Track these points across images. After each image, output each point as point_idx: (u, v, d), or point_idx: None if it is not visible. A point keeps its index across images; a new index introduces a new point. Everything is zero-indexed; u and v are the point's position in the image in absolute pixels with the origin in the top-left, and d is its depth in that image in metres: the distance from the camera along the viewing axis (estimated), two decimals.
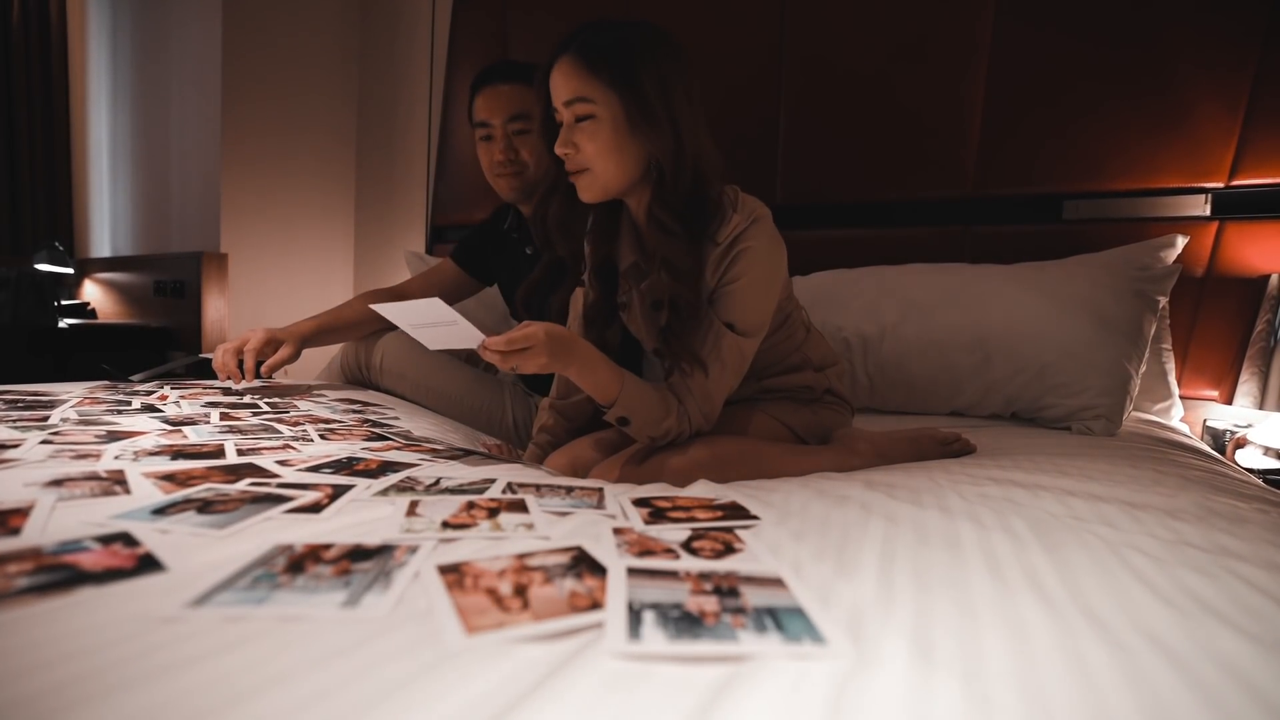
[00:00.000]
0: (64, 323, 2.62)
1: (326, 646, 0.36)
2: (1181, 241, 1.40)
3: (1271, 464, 1.28)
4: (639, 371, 1.11)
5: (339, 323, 1.39)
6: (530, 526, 0.56)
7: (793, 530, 0.58)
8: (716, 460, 0.90)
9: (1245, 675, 0.36)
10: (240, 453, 0.77)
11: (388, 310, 0.85)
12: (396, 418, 1.14)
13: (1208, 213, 1.44)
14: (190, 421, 0.93)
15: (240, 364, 1.24)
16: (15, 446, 0.73)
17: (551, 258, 1.01)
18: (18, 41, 3.18)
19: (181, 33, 2.60)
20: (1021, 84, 1.59)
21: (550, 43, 0.92)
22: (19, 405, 0.97)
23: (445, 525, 0.55)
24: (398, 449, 0.87)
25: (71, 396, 1.07)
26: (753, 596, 0.43)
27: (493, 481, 0.71)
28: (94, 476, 0.63)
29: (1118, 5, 1.50)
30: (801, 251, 1.28)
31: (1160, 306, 1.34)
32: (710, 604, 0.42)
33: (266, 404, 1.11)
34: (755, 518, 0.61)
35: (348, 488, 0.65)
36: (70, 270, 2.91)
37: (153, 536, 0.50)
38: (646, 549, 0.52)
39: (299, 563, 0.46)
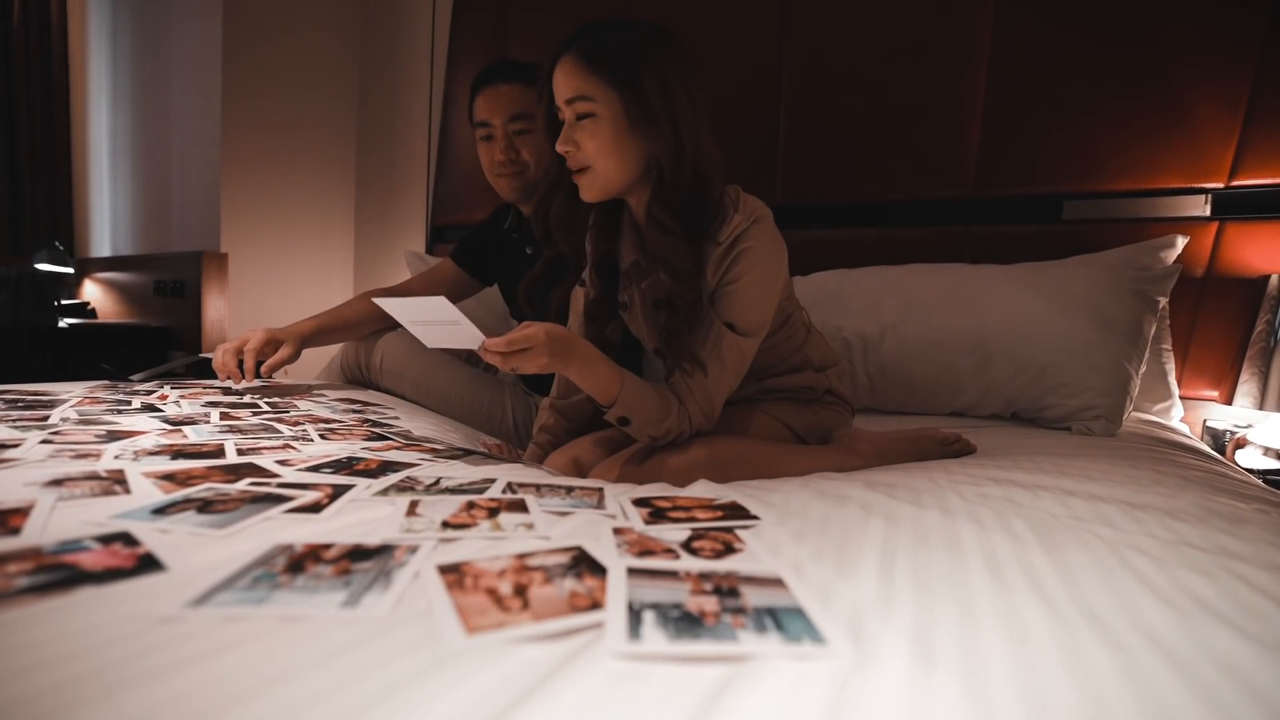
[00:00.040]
0: (64, 322, 2.62)
1: (326, 646, 0.36)
2: (1181, 242, 1.40)
3: (1271, 464, 1.28)
4: (639, 371, 1.11)
5: (339, 322, 1.39)
6: (530, 526, 0.56)
7: (793, 530, 0.58)
8: (716, 460, 0.90)
9: (1245, 675, 0.36)
10: (240, 452, 0.77)
11: (390, 305, 0.85)
12: (396, 417, 1.14)
13: (1208, 213, 1.44)
14: (190, 421, 0.93)
15: (240, 364, 1.24)
16: (15, 446, 0.73)
17: (553, 254, 1.02)
18: (18, 41, 3.18)
19: (181, 32, 2.60)
20: (1021, 84, 1.60)
21: (551, 42, 0.93)
22: (19, 405, 0.97)
23: (445, 525, 0.55)
24: (398, 449, 0.87)
25: (71, 396, 1.07)
26: (753, 596, 0.43)
27: (493, 481, 0.71)
28: (94, 476, 0.63)
29: (1118, 5, 1.50)
30: (801, 251, 1.28)
31: (1160, 307, 1.34)
32: (710, 604, 0.42)
33: (266, 404, 1.11)
34: (755, 518, 0.61)
35: (348, 488, 0.65)
36: (70, 270, 2.91)
37: (153, 536, 0.50)
38: (646, 549, 0.52)
39: (299, 562, 0.46)
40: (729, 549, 0.53)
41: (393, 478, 0.70)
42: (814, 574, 0.48)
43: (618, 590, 0.44)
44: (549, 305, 1.04)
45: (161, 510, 0.55)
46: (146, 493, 0.60)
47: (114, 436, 0.81)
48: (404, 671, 0.34)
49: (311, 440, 0.87)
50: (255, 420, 0.97)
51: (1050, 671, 0.36)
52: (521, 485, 0.70)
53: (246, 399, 1.15)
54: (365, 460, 0.77)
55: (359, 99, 2.79)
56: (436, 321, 0.83)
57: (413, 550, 0.49)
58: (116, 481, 0.62)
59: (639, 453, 0.93)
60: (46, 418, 0.89)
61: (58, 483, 0.61)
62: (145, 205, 2.92)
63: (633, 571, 0.47)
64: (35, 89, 3.23)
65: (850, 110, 1.78)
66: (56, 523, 0.51)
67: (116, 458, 0.71)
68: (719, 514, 0.62)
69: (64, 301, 2.84)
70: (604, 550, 0.51)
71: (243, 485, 0.63)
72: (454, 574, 0.45)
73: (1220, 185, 1.43)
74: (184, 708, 0.31)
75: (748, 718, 0.32)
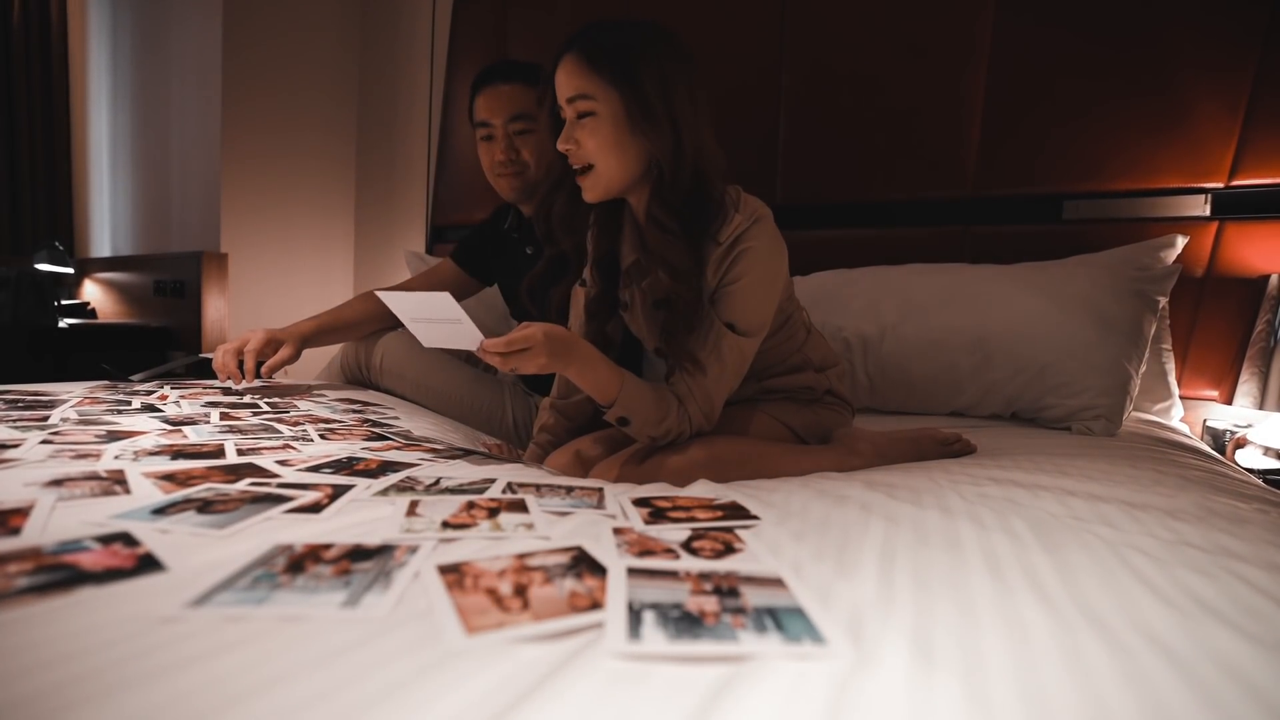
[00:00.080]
0: (64, 323, 2.62)
1: (326, 646, 0.36)
2: (1181, 241, 1.40)
3: (1271, 464, 1.28)
4: (639, 371, 1.11)
5: (339, 323, 1.39)
6: (530, 526, 0.56)
7: (793, 530, 0.58)
8: (716, 460, 0.90)
9: (1245, 675, 0.36)
10: (240, 453, 0.77)
11: (392, 299, 0.85)
12: (396, 418, 1.14)
13: (1207, 213, 1.44)
14: (190, 421, 0.93)
15: (241, 365, 1.24)
16: (15, 446, 0.73)
17: (555, 252, 1.02)
18: (18, 41, 3.18)
19: (182, 32, 2.60)
20: (1021, 84, 1.59)
21: (551, 42, 0.93)
22: (19, 405, 0.97)
23: (445, 525, 0.55)
24: (398, 449, 0.87)
25: (71, 396, 1.07)
26: (753, 596, 0.43)
27: (493, 481, 0.71)
28: (94, 476, 0.63)
29: (1118, 5, 1.50)
30: (801, 251, 1.28)
31: (1160, 306, 1.34)
32: (710, 604, 0.42)
33: (266, 404, 1.11)
34: (755, 518, 0.61)
35: (348, 488, 0.65)
36: (70, 270, 2.91)
37: (153, 536, 0.50)
38: (646, 549, 0.52)
39: (299, 563, 0.46)
40: (729, 549, 0.53)
41: (393, 478, 0.70)
42: (814, 574, 0.48)
43: (618, 590, 0.44)
44: (550, 303, 1.05)
45: (161, 510, 0.55)
46: (146, 493, 0.60)
47: (114, 437, 0.81)
48: (404, 671, 0.34)
49: (311, 440, 0.87)
50: (255, 420, 0.97)
51: (1050, 671, 0.36)
52: (521, 485, 0.70)
53: (246, 399, 1.15)
54: (365, 460, 0.77)
55: (359, 99, 2.79)
56: (437, 319, 0.83)
57: (413, 550, 0.49)
58: (116, 482, 0.62)
59: (639, 453, 0.93)
60: (46, 418, 0.89)
61: (58, 483, 0.61)
62: (145, 205, 2.92)
63: (633, 571, 0.47)
64: (35, 89, 3.23)
65: (850, 110, 1.78)
66: (56, 523, 0.51)
67: (116, 458, 0.71)
68: (719, 514, 0.62)
69: (64, 302, 2.85)
70: (604, 550, 0.51)
71: (243, 485, 0.63)
72: (454, 574, 0.45)
73: (1220, 185, 1.43)
74: (184, 708, 0.31)
75: (748, 718, 0.32)
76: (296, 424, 0.96)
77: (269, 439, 0.85)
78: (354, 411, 1.13)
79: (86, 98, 3.29)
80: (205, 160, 2.50)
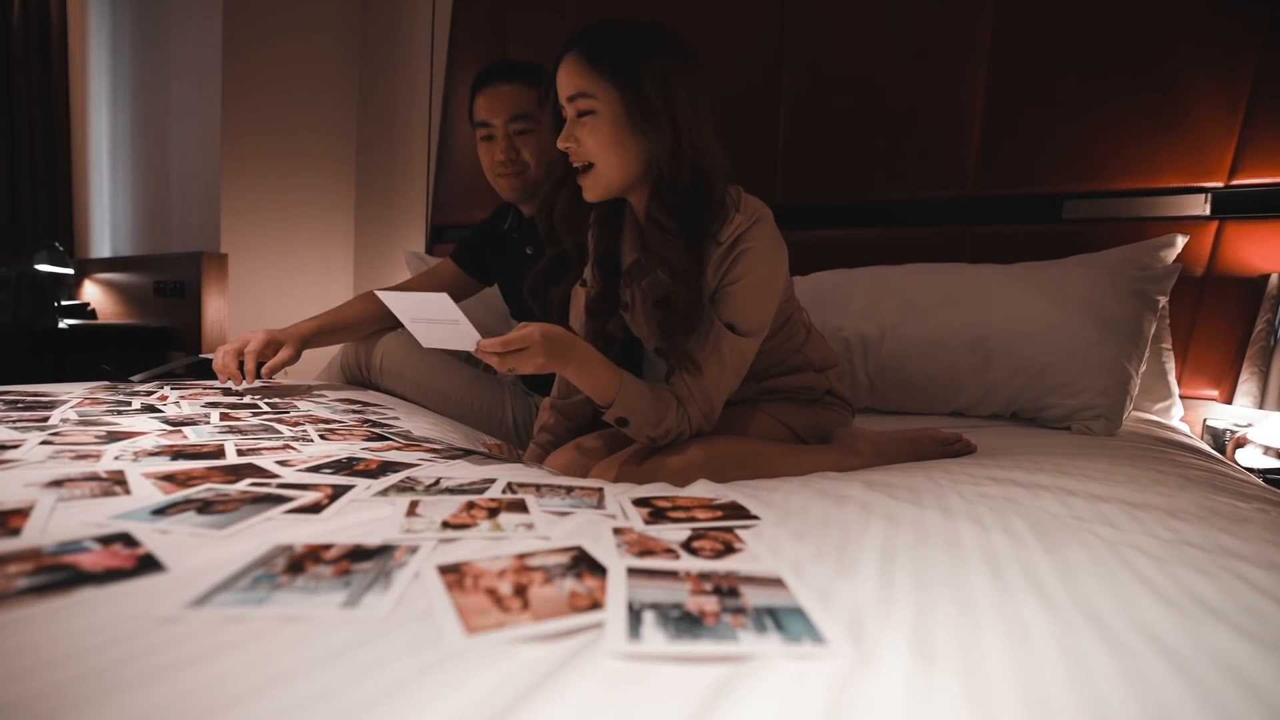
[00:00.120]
0: (64, 323, 2.62)
1: (326, 647, 0.36)
2: (1181, 241, 1.40)
3: (1272, 463, 1.28)
4: (639, 371, 1.11)
5: (339, 323, 1.39)
6: (530, 526, 0.56)
7: (793, 530, 0.58)
8: (715, 460, 0.90)
9: (1245, 675, 0.36)
10: (240, 453, 0.77)
11: (391, 299, 0.85)
12: (396, 418, 1.14)
13: (1207, 212, 1.44)
14: (190, 422, 0.93)
15: (241, 366, 1.24)
16: (15, 447, 0.73)
17: (557, 251, 1.02)
18: (18, 41, 3.18)
19: (181, 33, 2.60)
20: (1021, 84, 1.59)
21: (550, 42, 0.93)
22: (19, 406, 0.97)
23: (445, 525, 0.55)
24: (398, 449, 0.87)
25: (71, 397, 1.07)
26: (753, 596, 0.43)
27: (493, 481, 0.71)
28: (94, 477, 0.63)
29: (1118, 5, 1.50)
30: (801, 251, 1.28)
31: (1160, 306, 1.34)
32: (710, 604, 0.42)
33: (266, 404, 1.11)
34: (755, 518, 0.61)
35: (348, 488, 0.65)
36: (70, 270, 2.91)
37: (153, 537, 0.50)
38: (646, 549, 0.52)
39: (299, 563, 0.46)
40: (729, 549, 0.53)
41: (393, 478, 0.70)
42: (814, 574, 0.48)
43: (618, 590, 0.44)
44: (551, 302, 1.05)
45: (161, 511, 0.55)
46: (146, 493, 0.60)
47: (114, 437, 0.81)
48: (404, 672, 0.34)
49: (311, 441, 0.87)
50: (255, 421, 0.97)
51: (1050, 671, 0.36)
52: (521, 485, 0.70)
53: (246, 399, 1.15)
54: (365, 460, 0.77)
55: (359, 99, 2.79)
56: (435, 320, 0.83)
57: (413, 550, 0.49)
58: (116, 482, 0.62)
59: (638, 453, 0.93)
60: (46, 418, 0.89)
61: (58, 483, 0.61)
62: (145, 205, 2.92)
63: (633, 571, 0.47)
64: (35, 89, 3.23)
65: (850, 110, 1.78)
66: (56, 523, 0.51)
67: (116, 458, 0.71)
68: (719, 514, 0.62)
69: (64, 302, 2.84)
70: (604, 550, 0.51)
71: (243, 486, 0.63)
72: (454, 574, 0.45)
73: (1220, 184, 1.43)
74: (184, 708, 0.31)
75: (748, 718, 0.32)
76: (296, 424, 0.96)
77: (269, 439, 0.85)
78: (354, 412, 1.13)
79: (86, 98, 3.29)
80: (205, 160, 2.50)
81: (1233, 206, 1.42)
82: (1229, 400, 1.43)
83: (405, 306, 0.85)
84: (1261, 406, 1.35)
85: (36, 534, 0.49)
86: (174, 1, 2.63)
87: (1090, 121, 1.52)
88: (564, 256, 1.02)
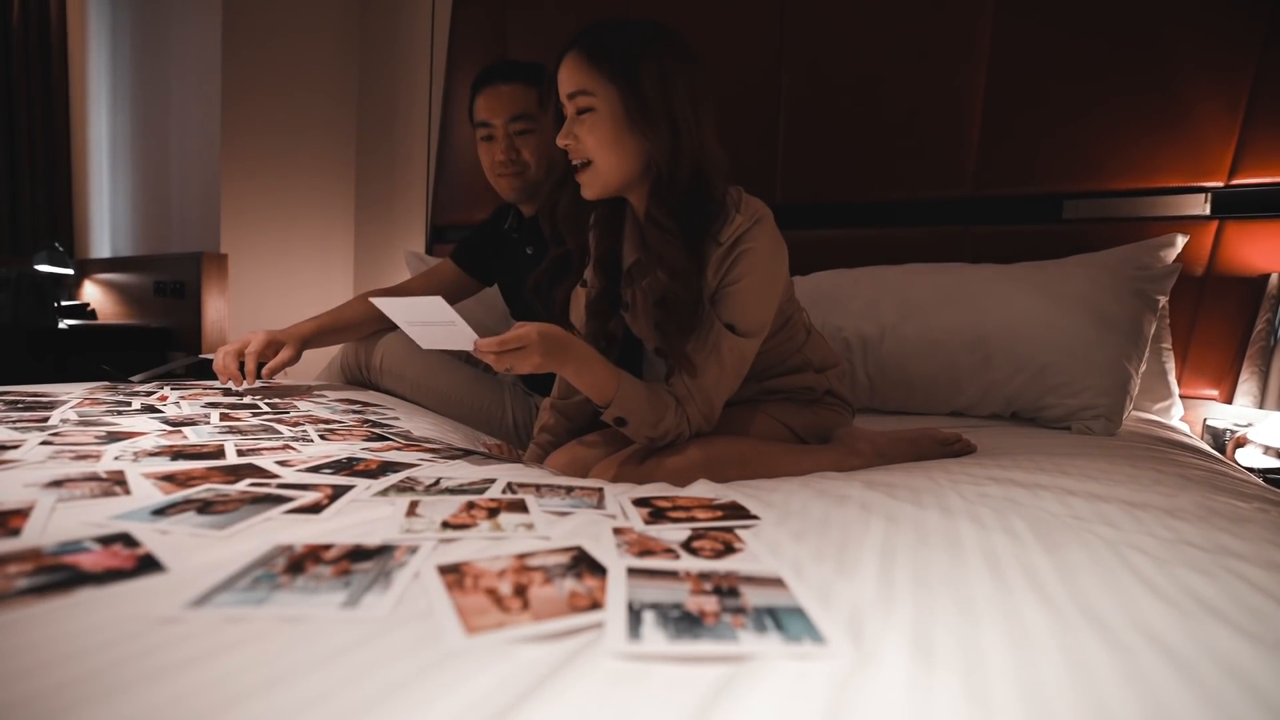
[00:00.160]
0: (64, 323, 2.62)
1: (326, 647, 0.36)
2: (1181, 241, 1.40)
3: (1272, 463, 1.28)
4: (640, 371, 1.11)
5: (339, 323, 1.39)
6: (530, 526, 0.56)
7: (793, 530, 0.58)
8: (715, 460, 0.90)
9: (1245, 675, 0.36)
10: (240, 453, 0.77)
11: (386, 304, 0.85)
12: (396, 418, 1.14)
13: (1207, 212, 1.44)
14: (190, 422, 0.93)
15: (241, 367, 1.24)
16: (15, 447, 0.73)
17: (559, 251, 1.02)
18: (18, 41, 3.18)
19: (181, 33, 2.60)
20: (1021, 84, 1.59)
21: (550, 42, 0.93)
22: (19, 406, 0.97)
23: (445, 525, 0.55)
24: (398, 449, 0.87)
25: (71, 397, 1.07)
26: (753, 596, 0.43)
27: (493, 481, 0.71)
28: (94, 477, 0.63)
29: (1117, 5, 1.50)
30: (801, 251, 1.28)
31: (1160, 306, 1.34)
32: (710, 604, 0.42)
33: (266, 404, 1.11)
34: (755, 518, 0.61)
35: (348, 488, 0.65)
36: (70, 271, 2.91)
37: (153, 537, 0.50)
38: (646, 549, 0.52)
39: (299, 563, 0.46)
40: (729, 549, 0.53)
41: (393, 478, 0.70)
42: (814, 574, 0.48)
43: (618, 590, 0.44)
44: (554, 302, 1.05)
45: (161, 511, 0.55)
46: (146, 494, 0.60)
47: (114, 437, 0.81)
48: (404, 672, 0.34)
49: (311, 441, 0.87)
50: (255, 421, 0.97)
51: (1050, 671, 0.36)
52: (521, 485, 0.70)
53: (246, 399, 1.15)
54: (365, 461, 0.77)
55: (359, 99, 2.79)
56: (432, 322, 0.83)
57: (413, 550, 0.49)
58: (116, 482, 0.62)
59: (638, 453, 0.93)
60: (46, 419, 0.89)
61: (58, 484, 0.61)
62: (145, 206, 2.92)
63: (633, 571, 0.47)
64: (35, 89, 3.23)
65: (850, 110, 1.78)
66: (56, 524, 0.51)
67: (116, 459, 0.71)
68: (719, 514, 0.62)
69: (64, 302, 2.84)
70: (604, 550, 0.51)
71: (243, 486, 0.63)
72: (454, 574, 0.45)
73: (1220, 184, 1.43)
74: (184, 708, 0.31)
75: (748, 718, 0.32)
76: (296, 424, 0.96)
77: (269, 439, 0.85)
78: (354, 412, 1.13)
79: (86, 98, 3.29)
80: (205, 160, 2.50)
81: (1233, 206, 1.42)
82: (1229, 400, 1.43)
83: (401, 311, 0.85)
84: (1261, 406, 1.35)
85: (36, 534, 0.49)
86: (174, 1, 2.63)
87: (1090, 121, 1.52)
88: (567, 256, 1.02)
